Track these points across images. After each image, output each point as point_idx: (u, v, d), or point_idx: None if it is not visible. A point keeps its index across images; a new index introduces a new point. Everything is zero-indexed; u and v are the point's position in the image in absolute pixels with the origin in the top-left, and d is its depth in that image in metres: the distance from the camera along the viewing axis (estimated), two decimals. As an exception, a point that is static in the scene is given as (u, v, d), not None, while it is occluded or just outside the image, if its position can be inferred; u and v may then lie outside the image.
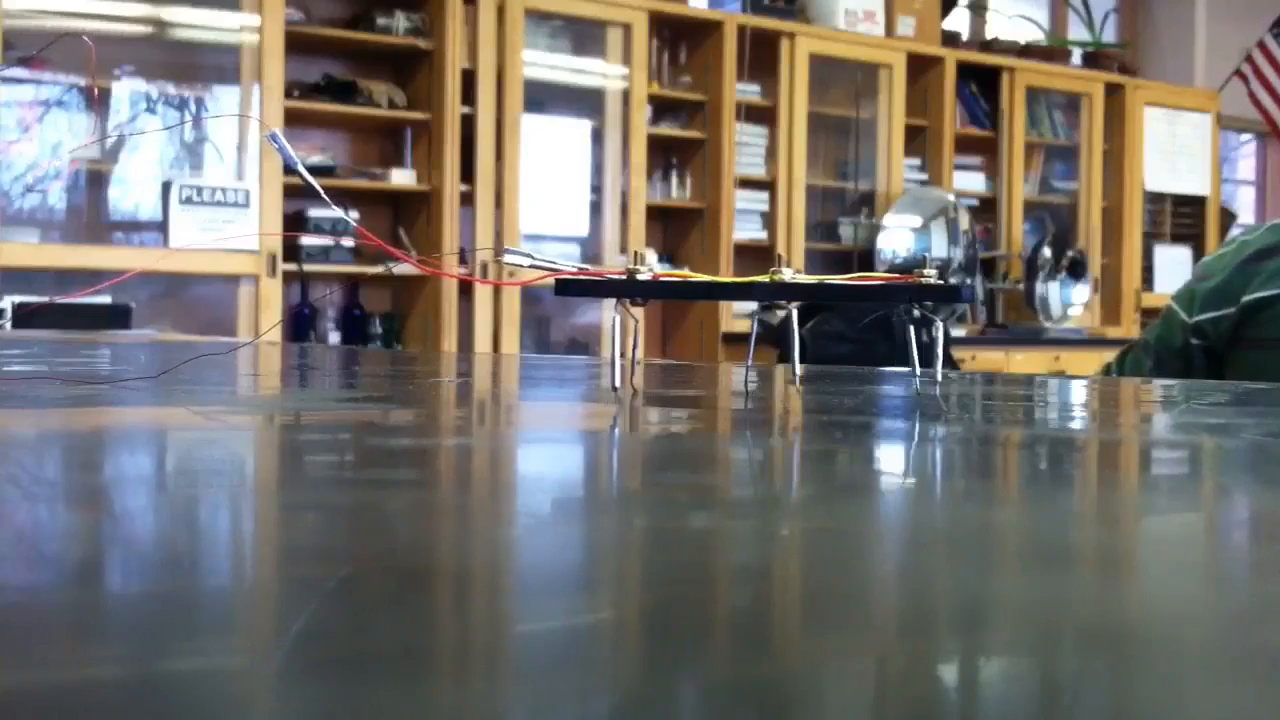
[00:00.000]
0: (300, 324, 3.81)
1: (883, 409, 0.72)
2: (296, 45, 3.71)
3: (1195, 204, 5.83)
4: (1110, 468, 0.49)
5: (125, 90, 3.55)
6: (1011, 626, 0.22)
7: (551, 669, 0.19)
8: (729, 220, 4.41)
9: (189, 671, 0.19)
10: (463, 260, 3.96)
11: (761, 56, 4.45)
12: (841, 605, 0.24)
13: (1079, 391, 0.91)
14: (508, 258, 0.66)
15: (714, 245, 4.39)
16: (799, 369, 0.74)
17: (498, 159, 3.94)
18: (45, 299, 3.32)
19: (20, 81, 3.38)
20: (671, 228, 4.56)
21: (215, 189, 3.56)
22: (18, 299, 3.23)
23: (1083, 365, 4.19)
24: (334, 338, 3.99)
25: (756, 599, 0.25)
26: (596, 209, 4.28)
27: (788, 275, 0.66)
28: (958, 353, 4.08)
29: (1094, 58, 5.63)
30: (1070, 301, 5.10)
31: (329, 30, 3.84)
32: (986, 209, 5.19)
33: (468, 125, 3.90)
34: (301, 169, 0.62)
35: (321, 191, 0.64)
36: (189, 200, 3.52)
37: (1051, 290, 5.04)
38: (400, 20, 3.88)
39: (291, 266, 3.69)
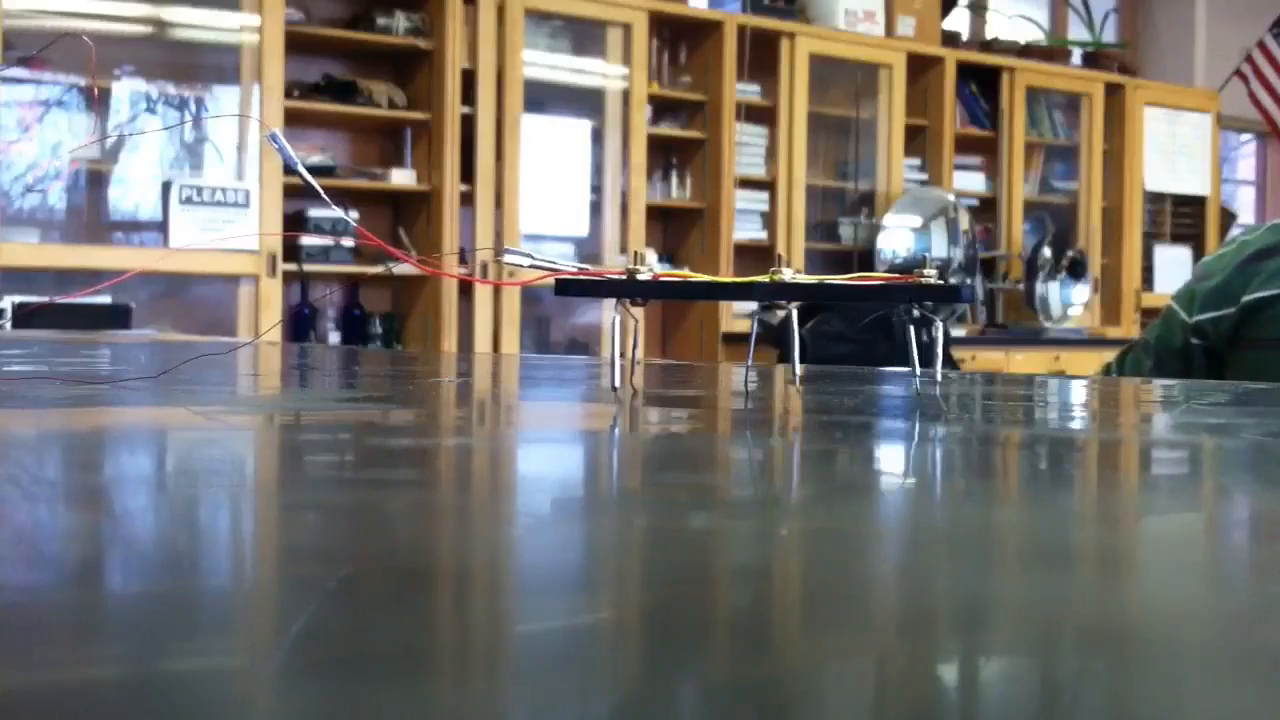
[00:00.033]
0: (300, 324, 3.81)
1: (883, 409, 0.72)
2: (296, 45, 3.71)
3: (1195, 204, 5.83)
4: (1110, 468, 0.49)
5: (125, 90, 3.55)
6: (1011, 626, 0.22)
7: (551, 669, 0.19)
8: (729, 220, 4.41)
9: (189, 671, 0.19)
10: (463, 260, 3.96)
11: (761, 56, 4.45)
12: (841, 605, 0.24)
13: (1079, 391, 0.91)
14: (508, 258, 0.66)
15: (714, 245, 4.39)
16: (799, 369, 0.74)
17: (498, 159, 3.94)
18: (45, 299, 3.32)
19: (20, 81, 3.38)
20: (671, 228, 4.56)
21: (215, 189, 3.56)
22: (18, 299, 3.23)
23: (1083, 365, 4.19)
24: (334, 338, 3.99)
25: (756, 599, 0.25)
26: (596, 209, 4.28)
27: (788, 275, 0.66)
28: (958, 353, 4.08)
29: (1094, 58, 5.63)
30: (1070, 301, 5.10)
31: (329, 30, 3.84)
32: (986, 209, 5.19)
33: (468, 125, 3.90)
34: (301, 169, 0.62)
35: (321, 191, 0.64)
36: (189, 200, 3.52)
37: (1051, 290, 5.04)
38: (400, 20, 3.88)
39: (291, 266, 3.69)
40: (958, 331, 4.70)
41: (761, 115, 4.54)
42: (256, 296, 3.58)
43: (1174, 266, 5.56)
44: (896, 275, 0.66)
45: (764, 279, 0.66)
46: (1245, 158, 7.14)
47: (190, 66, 3.67)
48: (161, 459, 0.47)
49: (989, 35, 5.51)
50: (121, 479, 0.40)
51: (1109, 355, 1.82)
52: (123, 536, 0.30)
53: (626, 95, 4.23)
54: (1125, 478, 0.47)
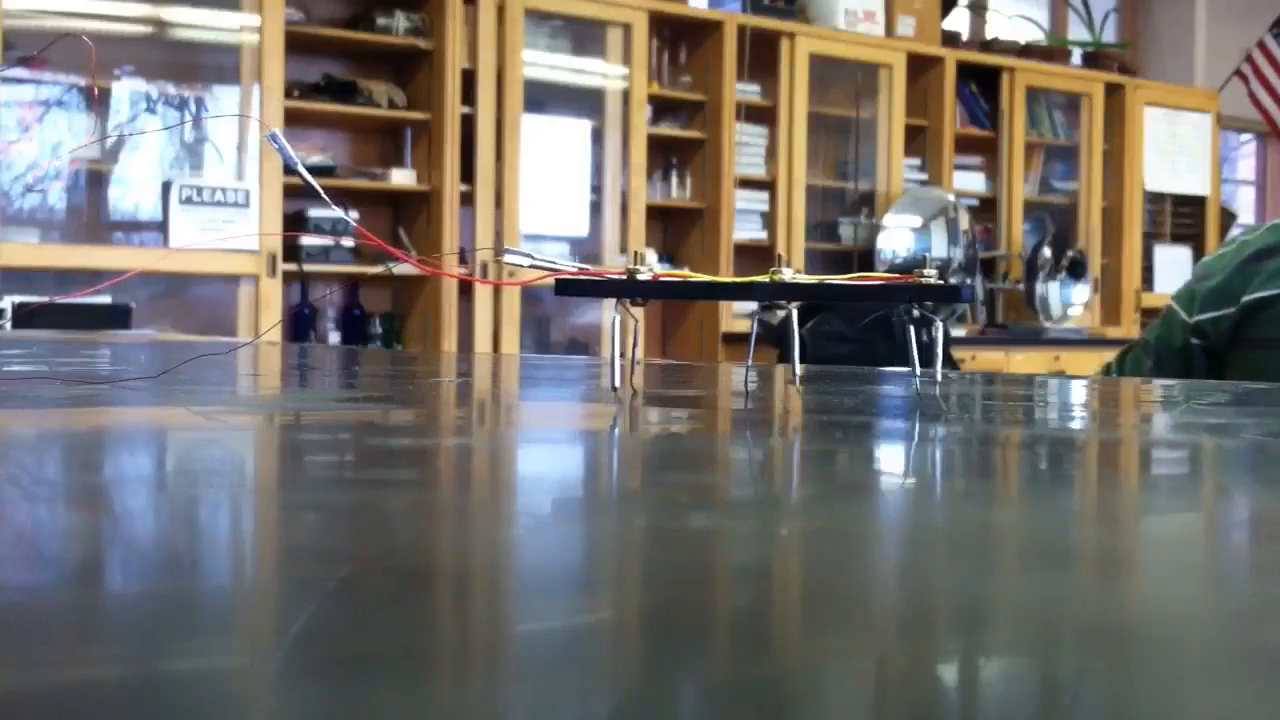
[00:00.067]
0: (300, 324, 3.81)
1: (883, 409, 0.72)
2: (296, 45, 3.71)
3: (1195, 204, 5.83)
4: (1110, 468, 0.49)
5: (125, 90, 3.55)
6: (1012, 626, 0.22)
7: (551, 669, 0.19)
8: (729, 220, 4.41)
9: (189, 671, 0.19)
10: (463, 260, 3.96)
11: (761, 56, 4.45)
12: (841, 605, 0.24)
13: (1079, 391, 0.91)
14: (508, 258, 0.66)
15: (714, 245, 4.39)
16: (799, 369, 0.74)
17: (498, 159, 3.94)
18: (45, 299, 3.32)
19: (20, 81, 3.38)
20: (671, 228, 4.56)
21: (215, 189, 3.56)
22: (18, 299, 3.23)
23: (1083, 365, 4.19)
24: (334, 338, 3.99)
25: (756, 599, 0.25)
26: (596, 209, 4.28)
27: (788, 275, 0.66)
28: (958, 353, 4.08)
29: (1094, 58, 5.63)
30: (1070, 301, 5.10)
31: (329, 30, 3.84)
32: (986, 209, 5.19)
33: (468, 125, 3.90)
34: (301, 169, 0.62)
35: (321, 191, 0.64)
36: (189, 200, 3.52)
37: (1051, 290, 5.04)
38: (400, 20, 3.88)
39: (291, 266, 3.69)
40: (958, 331, 4.70)
41: (761, 115, 4.54)
42: (256, 296, 3.58)
43: (1174, 266, 5.56)
44: (896, 275, 0.66)
45: (764, 279, 0.66)
46: (1245, 158, 7.14)
47: (190, 66, 3.67)
48: (161, 459, 0.47)
49: (989, 35, 5.51)
50: (121, 479, 0.40)
51: (1109, 355, 1.82)
52: (123, 536, 0.30)
53: (626, 95, 4.23)
54: (1125, 478, 0.47)
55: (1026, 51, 5.36)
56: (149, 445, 0.51)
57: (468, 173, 3.90)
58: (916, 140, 4.97)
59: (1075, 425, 0.65)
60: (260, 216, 3.57)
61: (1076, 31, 5.94)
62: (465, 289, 3.88)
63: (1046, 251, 5.02)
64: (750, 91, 4.46)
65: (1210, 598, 0.26)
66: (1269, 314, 1.48)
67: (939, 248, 4.60)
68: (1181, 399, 0.81)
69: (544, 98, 4.15)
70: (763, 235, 4.57)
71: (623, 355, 0.67)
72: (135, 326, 3.31)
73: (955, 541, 0.30)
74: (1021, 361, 4.56)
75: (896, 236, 4.69)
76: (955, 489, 0.41)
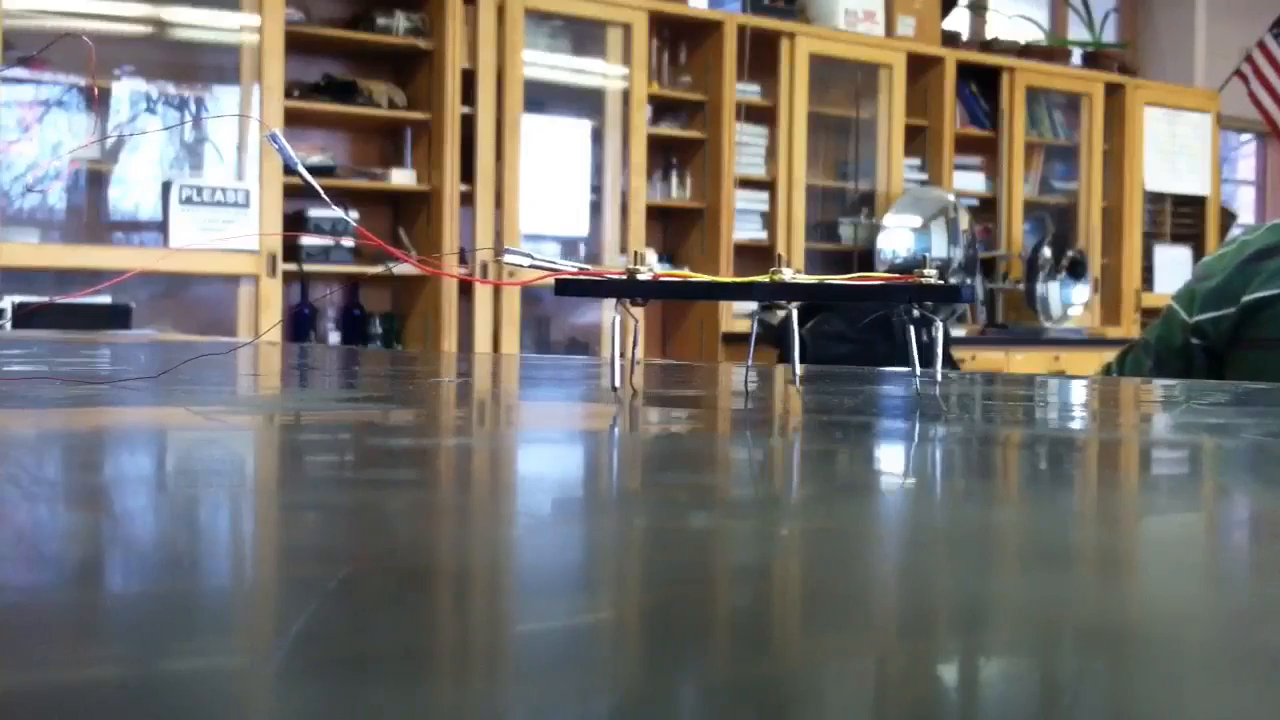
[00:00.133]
0: (300, 324, 3.81)
1: (883, 409, 0.72)
2: (296, 45, 3.71)
3: (1195, 204, 5.83)
4: (1110, 468, 0.49)
5: (125, 90, 3.55)
6: (1012, 626, 0.22)
7: (551, 669, 0.19)
8: (729, 220, 4.41)
9: (189, 671, 0.19)
10: (463, 260, 3.96)
11: (761, 56, 4.45)
12: (841, 605, 0.24)
13: (1079, 391, 0.91)
14: (508, 258, 0.66)
15: (714, 245, 4.39)
16: (799, 369, 0.74)
17: (498, 159, 3.94)
18: (45, 299, 3.32)
19: (20, 81, 3.38)
20: (671, 228, 4.56)
21: (215, 189, 3.56)
22: (18, 299, 3.23)
23: (1083, 365, 4.19)
24: (334, 338, 3.99)
25: (756, 599, 0.25)
26: (596, 209, 4.28)
27: (788, 275, 0.66)
28: (958, 353, 4.08)
29: (1094, 58, 5.63)
30: (1070, 301, 5.10)
31: (329, 30, 3.84)
32: (986, 209, 5.19)
33: (468, 125, 3.90)
34: (301, 169, 0.62)
35: (321, 191, 0.64)
36: (189, 200, 3.52)
37: (1051, 290, 5.04)
38: (400, 20, 3.88)
39: (291, 266, 3.69)
40: (958, 331, 4.71)
41: (761, 115, 4.54)
42: (256, 296, 3.58)
43: (1174, 266, 5.56)
44: (896, 275, 0.66)
45: (764, 279, 0.66)
46: (1245, 158, 7.14)
47: (190, 66, 3.67)
48: (161, 459, 0.47)
49: (989, 35, 5.51)
50: (121, 479, 0.40)
51: (1109, 355, 1.82)
52: (122, 536, 0.30)
53: (626, 95, 4.23)
54: (1125, 478, 0.47)
55: (1026, 51, 5.36)
56: (149, 445, 0.51)
57: (468, 173, 3.90)
58: (916, 140, 4.97)
59: (1075, 425, 0.65)
60: (260, 216, 3.57)
61: (1076, 31, 5.94)
62: (465, 289, 3.88)
63: (1046, 251, 5.02)
64: (750, 91, 4.46)
65: (1210, 598, 0.26)
66: (1269, 314, 1.48)
67: (939, 248, 4.60)
68: (1181, 399, 0.81)
69: (544, 98, 4.15)
70: (763, 235, 4.57)
71: (623, 355, 0.67)
72: (135, 326, 3.31)
73: (955, 542, 0.30)
74: (1021, 361, 4.56)
75: (896, 236, 4.69)
76: (955, 489, 0.41)
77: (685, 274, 0.72)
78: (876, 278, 0.68)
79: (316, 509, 0.34)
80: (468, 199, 3.91)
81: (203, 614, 0.22)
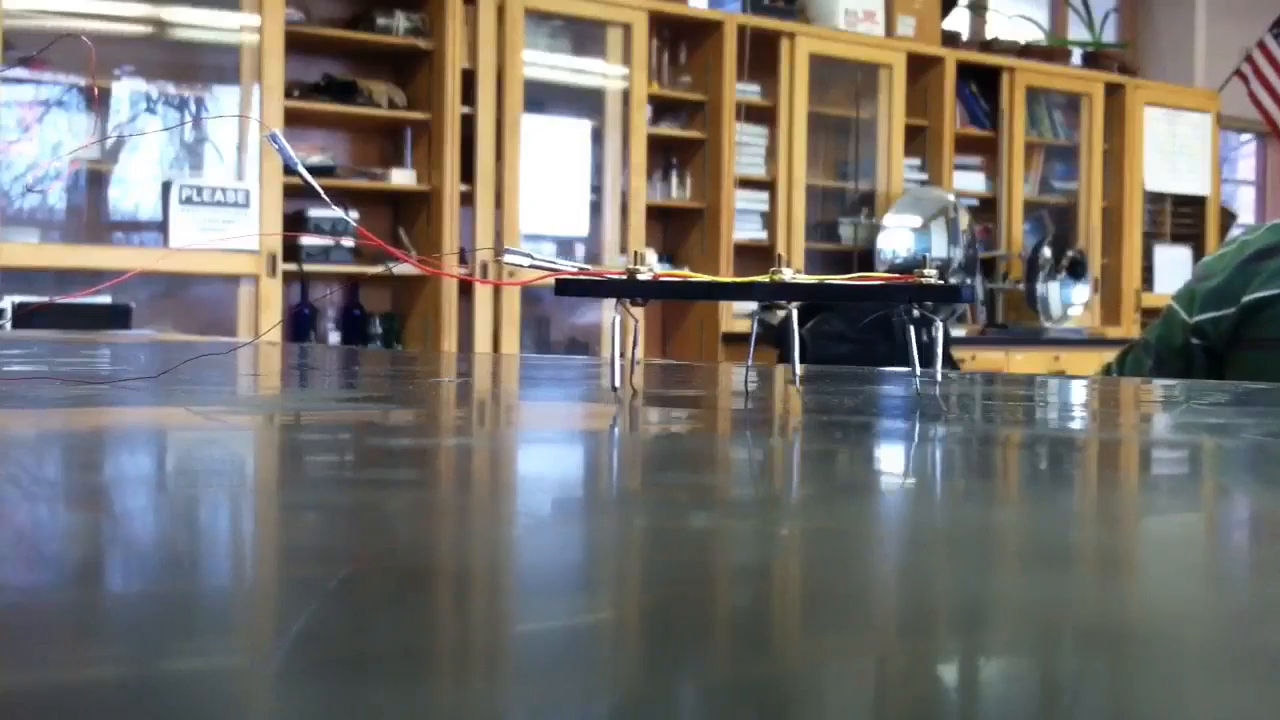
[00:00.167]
0: (300, 324, 3.81)
1: (883, 409, 0.72)
2: (296, 45, 3.71)
3: (1195, 204, 5.83)
4: (1110, 468, 0.49)
5: (125, 90, 3.55)
6: (1012, 626, 0.22)
7: (551, 669, 0.19)
8: (729, 220, 4.41)
9: (189, 671, 0.19)
10: (463, 260, 3.96)
11: (761, 56, 4.45)
12: (841, 605, 0.24)
13: (1079, 391, 0.91)
14: (508, 258, 0.66)
15: (714, 245, 4.39)
16: (799, 369, 0.74)
17: (498, 159, 3.94)
18: (45, 299, 3.32)
19: (20, 81, 3.38)
20: (671, 228, 4.56)
21: (215, 189, 3.56)
22: (18, 299, 3.23)
23: (1083, 365, 4.19)
24: (334, 338, 3.99)
25: (756, 599, 0.25)
26: (596, 209, 4.28)
27: (788, 275, 0.66)
28: (958, 353, 4.08)
29: (1094, 58, 5.63)
30: (1070, 301, 5.10)
31: (329, 30, 3.84)
32: (986, 209, 5.19)
33: (468, 125, 3.90)
34: (301, 169, 0.62)
35: (321, 191, 0.64)
36: (189, 200, 3.52)
37: (1051, 290, 5.04)
38: (400, 20, 3.88)
39: (291, 266, 3.69)
40: (958, 331, 4.71)
41: (761, 115, 4.54)
42: (256, 296, 3.58)
43: (1174, 266, 5.56)
44: (896, 275, 0.66)
45: (764, 279, 0.66)
46: (1245, 158, 7.14)
47: (190, 66, 3.67)
48: (161, 459, 0.47)
49: (989, 35, 5.51)
50: (121, 479, 0.40)
51: (1109, 355, 1.82)
52: (122, 536, 0.30)
53: (626, 95, 4.23)
54: (1125, 478, 0.47)
55: (1026, 51, 5.36)
56: (149, 445, 0.51)
57: (468, 173, 3.90)
58: (916, 140, 4.97)
59: (1075, 425, 0.65)
60: (260, 216, 3.57)
61: (1076, 31, 5.94)
62: (465, 289, 3.88)
63: (1046, 251, 5.02)
64: (750, 91, 4.46)
65: (1210, 598, 0.26)
66: (1269, 314, 1.48)
67: (939, 248, 4.60)
68: (1182, 399, 0.81)
69: (544, 98, 4.15)
70: (763, 235, 4.57)
71: (623, 355, 0.67)
72: (135, 326, 3.31)
73: (955, 541, 0.30)
74: (1021, 361, 4.56)
75: (896, 236, 4.69)
76: (955, 489, 0.41)
77: (685, 274, 0.72)
78: (876, 278, 0.68)
79: (316, 509, 0.34)
80: (468, 199, 3.91)
81: (203, 614, 0.22)
